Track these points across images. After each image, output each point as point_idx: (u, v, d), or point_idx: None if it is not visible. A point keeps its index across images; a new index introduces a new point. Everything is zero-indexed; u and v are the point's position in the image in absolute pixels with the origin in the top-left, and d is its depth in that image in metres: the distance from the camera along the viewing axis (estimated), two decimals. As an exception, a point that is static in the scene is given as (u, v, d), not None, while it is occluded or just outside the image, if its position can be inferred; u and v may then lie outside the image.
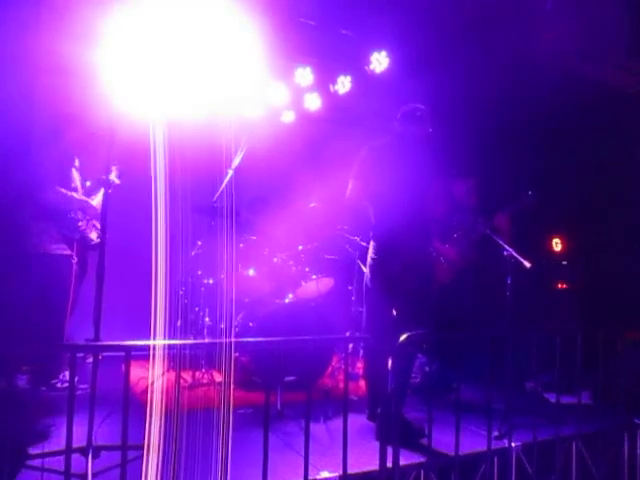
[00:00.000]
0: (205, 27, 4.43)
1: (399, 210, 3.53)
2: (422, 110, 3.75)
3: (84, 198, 4.13)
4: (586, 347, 3.45)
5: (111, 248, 3.66)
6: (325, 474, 2.70)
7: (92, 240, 4.13)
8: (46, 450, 2.73)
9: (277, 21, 4.87)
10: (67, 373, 4.09)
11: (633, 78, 5.04)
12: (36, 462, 2.63)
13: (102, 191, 3.62)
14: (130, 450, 2.23)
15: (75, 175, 4.18)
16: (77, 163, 4.20)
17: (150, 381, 4.31)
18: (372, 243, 3.74)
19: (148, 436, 2.56)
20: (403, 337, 2.72)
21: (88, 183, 4.29)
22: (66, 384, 3.99)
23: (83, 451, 2.60)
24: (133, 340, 2.19)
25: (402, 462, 2.85)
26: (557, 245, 5.63)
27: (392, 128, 3.81)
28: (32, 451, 2.78)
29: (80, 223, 4.05)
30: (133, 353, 2.16)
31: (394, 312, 3.60)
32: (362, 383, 4.36)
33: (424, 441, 3.08)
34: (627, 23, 4.75)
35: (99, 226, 4.00)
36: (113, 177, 4.05)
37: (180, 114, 3.72)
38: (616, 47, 4.81)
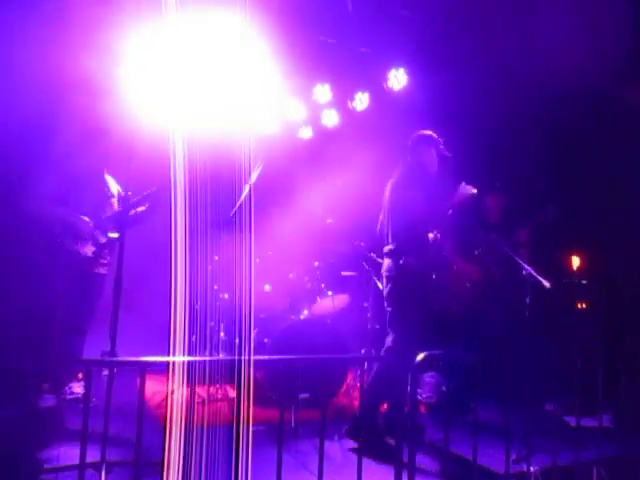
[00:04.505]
0: (226, 44, 4.48)
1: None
2: (430, 137, 3.84)
3: (79, 217, 4.03)
4: (607, 369, 3.38)
5: (129, 259, 3.71)
6: (339, 495, 2.66)
7: (85, 254, 4.05)
8: (60, 464, 2.73)
9: (297, 39, 4.91)
10: (75, 384, 4.08)
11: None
12: (50, 476, 2.63)
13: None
14: (143, 466, 2.21)
15: (111, 183, 4.24)
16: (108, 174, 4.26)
17: (165, 396, 4.29)
18: (388, 260, 3.76)
19: (165, 452, 2.54)
20: (421, 356, 2.68)
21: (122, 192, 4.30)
22: (74, 395, 4.00)
23: (96, 466, 2.59)
24: (148, 356, 2.19)
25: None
26: (576, 263, 5.54)
27: (404, 157, 3.91)
28: (46, 465, 2.78)
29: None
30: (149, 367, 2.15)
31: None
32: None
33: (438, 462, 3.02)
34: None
35: (103, 239, 4.04)
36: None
37: (200, 130, 3.75)
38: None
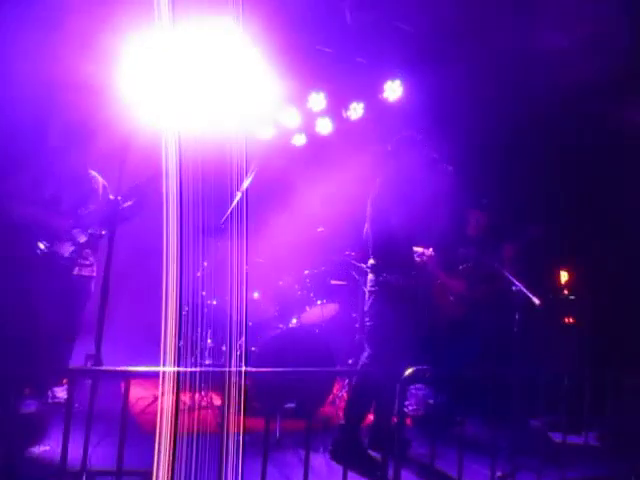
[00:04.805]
0: (221, 50, 4.47)
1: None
2: (413, 138, 3.77)
3: (53, 215, 3.82)
4: (594, 386, 3.38)
5: (116, 260, 3.65)
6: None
7: (62, 255, 3.82)
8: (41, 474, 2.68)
9: (294, 47, 4.91)
10: (58, 389, 4.00)
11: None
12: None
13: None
14: (125, 476, 2.18)
15: (96, 179, 4.08)
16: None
17: (150, 402, 4.23)
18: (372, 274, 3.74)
19: (155, 460, 2.50)
20: (409, 371, 2.67)
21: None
22: (57, 399, 3.91)
23: (77, 476, 2.54)
24: (133, 365, 2.16)
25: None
26: (564, 278, 5.55)
27: (385, 163, 3.85)
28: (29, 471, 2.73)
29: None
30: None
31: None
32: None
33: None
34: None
35: (83, 238, 3.86)
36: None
37: (193, 135, 3.73)
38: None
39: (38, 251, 3.69)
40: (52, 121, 4.07)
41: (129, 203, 3.84)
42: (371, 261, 3.76)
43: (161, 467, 2.29)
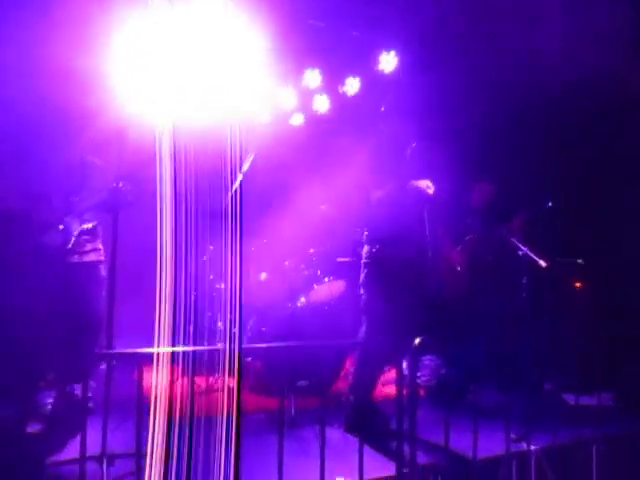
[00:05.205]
0: (213, 30, 4.41)
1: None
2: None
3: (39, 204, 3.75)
4: (608, 348, 3.39)
5: (123, 254, 3.65)
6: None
7: (52, 244, 3.74)
8: (62, 459, 2.72)
9: (286, 23, 4.84)
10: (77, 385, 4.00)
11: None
12: (53, 470, 2.63)
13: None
14: (144, 458, 2.21)
15: (96, 167, 4.01)
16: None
17: (161, 387, 4.28)
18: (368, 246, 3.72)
19: (159, 444, 2.53)
20: (418, 340, 2.68)
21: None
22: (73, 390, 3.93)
23: (98, 459, 2.58)
24: (144, 348, 2.17)
25: (419, 467, 2.82)
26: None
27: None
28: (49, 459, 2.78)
29: None
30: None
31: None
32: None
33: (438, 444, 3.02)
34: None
35: (76, 226, 3.77)
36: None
37: (188, 118, 3.71)
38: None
39: (28, 245, 3.61)
40: (43, 110, 4.03)
41: (129, 188, 3.79)
42: (366, 232, 3.75)
43: (159, 449, 2.32)
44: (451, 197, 4.07)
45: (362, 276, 3.72)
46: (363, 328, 3.69)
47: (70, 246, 3.74)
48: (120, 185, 3.42)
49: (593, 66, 4.48)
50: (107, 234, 3.95)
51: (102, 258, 3.91)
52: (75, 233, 3.77)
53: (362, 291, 3.71)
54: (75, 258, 3.78)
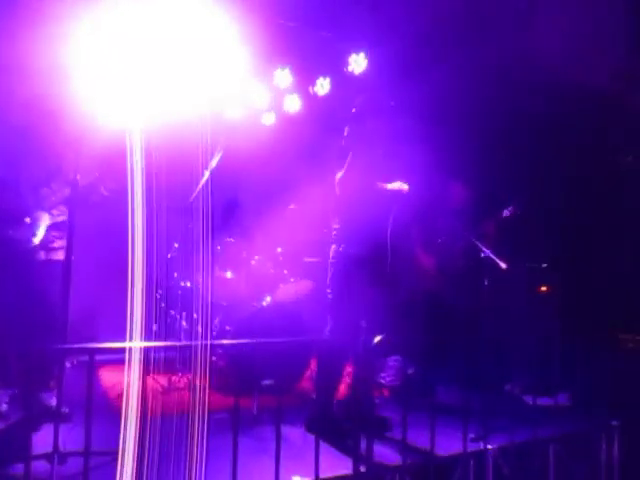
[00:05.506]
0: (184, 27, 4.37)
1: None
2: (377, 101, 3.68)
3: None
4: (565, 350, 3.45)
5: (83, 252, 3.57)
6: (296, 479, 2.66)
7: (20, 238, 3.60)
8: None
9: (257, 22, 4.83)
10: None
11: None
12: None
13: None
14: (97, 456, 2.17)
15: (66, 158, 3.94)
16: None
17: (123, 385, 4.21)
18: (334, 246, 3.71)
19: (121, 442, 2.50)
20: (377, 339, 2.69)
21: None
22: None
23: (48, 457, 2.53)
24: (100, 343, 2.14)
25: (376, 466, 2.84)
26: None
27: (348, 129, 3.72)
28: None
29: None
30: (108, 357, 2.11)
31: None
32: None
33: (396, 443, 3.04)
34: (627, 26, 4.74)
35: (46, 220, 3.62)
36: (103, 191, 3.78)
37: (157, 114, 3.66)
38: (615, 50, 4.79)
39: None
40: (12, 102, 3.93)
41: (88, 183, 3.67)
42: (334, 232, 3.74)
43: (128, 447, 2.28)
44: (424, 199, 4.08)
45: (329, 276, 3.71)
46: (328, 327, 3.68)
47: (37, 242, 3.57)
48: (95, 177, 3.33)
49: (564, 67, 4.55)
50: (79, 231, 3.86)
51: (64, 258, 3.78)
52: (42, 228, 3.59)
53: (329, 291, 3.70)
54: (41, 255, 3.62)
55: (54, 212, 3.68)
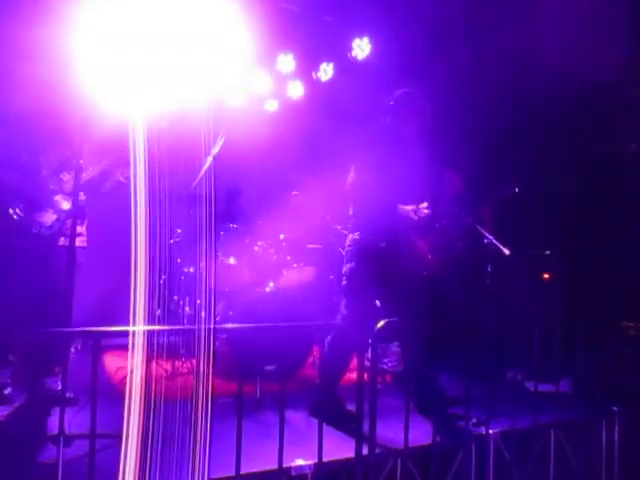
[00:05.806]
0: (187, 13, 4.35)
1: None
2: (416, 97, 3.64)
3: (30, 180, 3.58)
4: (567, 337, 3.46)
5: (89, 239, 3.58)
6: (300, 462, 2.69)
7: (44, 224, 3.59)
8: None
9: (260, 6, 4.79)
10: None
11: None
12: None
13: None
14: (101, 439, 2.20)
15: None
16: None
17: (128, 370, 4.24)
18: (352, 235, 3.71)
19: (125, 425, 2.52)
20: (381, 324, 2.70)
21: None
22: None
23: (54, 439, 2.56)
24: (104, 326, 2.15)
25: (378, 450, 2.86)
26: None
27: (384, 121, 3.70)
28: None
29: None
30: (113, 342, 2.12)
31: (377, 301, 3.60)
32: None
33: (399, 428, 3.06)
34: (627, 22, 4.70)
35: (67, 205, 3.61)
36: (120, 177, 3.77)
37: (160, 102, 3.65)
38: (616, 46, 4.76)
39: (15, 217, 3.39)
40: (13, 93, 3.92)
41: (102, 169, 3.68)
42: (350, 220, 3.75)
43: (133, 430, 2.31)
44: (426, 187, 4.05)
45: (344, 264, 3.71)
46: (339, 315, 3.68)
47: (57, 228, 3.55)
48: (107, 164, 3.33)
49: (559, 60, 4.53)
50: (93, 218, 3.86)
51: (85, 245, 3.76)
52: (63, 215, 3.57)
53: (343, 279, 3.70)
54: (61, 241, 3.58)
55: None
